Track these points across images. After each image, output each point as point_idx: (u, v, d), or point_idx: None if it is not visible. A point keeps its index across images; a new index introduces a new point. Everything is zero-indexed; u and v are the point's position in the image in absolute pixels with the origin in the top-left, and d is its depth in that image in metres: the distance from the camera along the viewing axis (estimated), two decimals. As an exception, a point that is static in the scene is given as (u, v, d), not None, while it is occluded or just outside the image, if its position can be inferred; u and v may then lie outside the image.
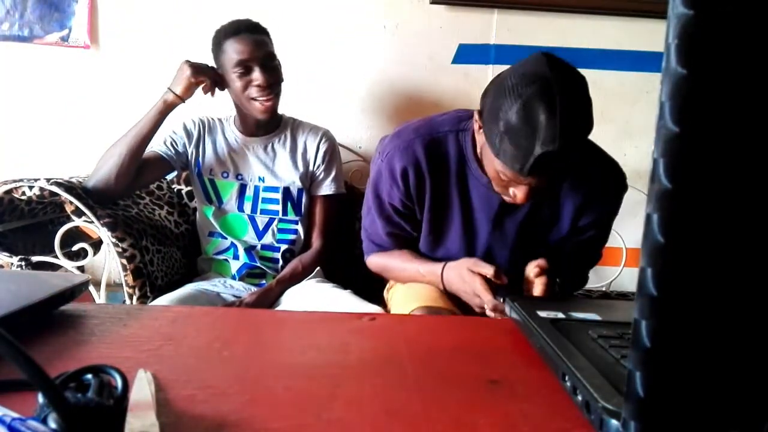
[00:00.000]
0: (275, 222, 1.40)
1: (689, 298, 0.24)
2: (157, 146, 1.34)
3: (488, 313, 0.94)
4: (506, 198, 0.99)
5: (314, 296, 1.25)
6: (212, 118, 1.44)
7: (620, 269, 1.78)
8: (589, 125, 0.88)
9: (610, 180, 1.09)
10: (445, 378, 0.41)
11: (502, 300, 0.89)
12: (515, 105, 0.83)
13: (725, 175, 0.23)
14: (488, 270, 0.96)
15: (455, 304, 1.07)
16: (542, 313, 0.51)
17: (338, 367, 0.43)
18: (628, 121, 1.75)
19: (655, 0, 1.64)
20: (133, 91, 1.69)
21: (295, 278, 1.34)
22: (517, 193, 0.94)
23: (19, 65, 1.67)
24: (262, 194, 1.39)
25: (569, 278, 1.12)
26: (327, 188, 1.42)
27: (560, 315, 0.51)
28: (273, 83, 1.31)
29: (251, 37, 1.29)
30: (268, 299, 1.27)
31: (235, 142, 1.40)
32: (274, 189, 1.40)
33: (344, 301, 1.21)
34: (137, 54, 1.69)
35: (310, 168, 1.41)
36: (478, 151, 1.03)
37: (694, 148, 0.22)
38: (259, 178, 1.39)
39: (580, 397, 0.35)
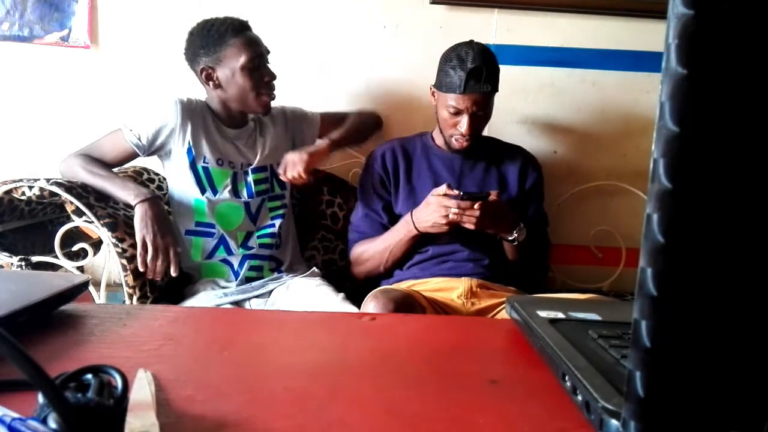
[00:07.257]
0: (266, 200, 1.42)
1: (689, 298, 0.24)
2: (131, 138, 1.31)
3: (454, 216, 1.21)
4: (455, 139, 1.36)
5: (303, 297, 1.26)
6: (197, 103, 1.40)
7: (620, 269, 1.78)
8: (497, 63, 1.34)
9: (530, 156, 1.52)
10: (445, 378, 0.41)
11: (462, 194, 1.22)
12: (449, 55, 1.33)
13: (725, 175, 0.23)
14: (442, 188, 1.25)
15: (420, 297, 1.22)
16: (542, 313, 0.51)
17: (338, 367, 0.43)
18: (628, 121, 1.75)
19: (655, 0, 1.64)
20: (133, 91, 1.69)
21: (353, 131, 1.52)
22: (462, 124, 1.32)
23: (19, 65, 1.67)
24: (252, 176, 1.40)
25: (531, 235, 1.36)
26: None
27: (560, 315, 0.50)
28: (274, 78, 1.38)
29: (254, 36, 1.35)
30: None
31: (218, 132, 1.39)
32: (262, 169, 1.42)
33: (332, 304, 1.21)
34: (137, 54, 1.69)
35: (296, 141, 1.51)
36: (436, 120, 1.41)
37: (694, 148, 0.22)
38: (248, 165, 1.41)
39: (580, 397, 0.35)
